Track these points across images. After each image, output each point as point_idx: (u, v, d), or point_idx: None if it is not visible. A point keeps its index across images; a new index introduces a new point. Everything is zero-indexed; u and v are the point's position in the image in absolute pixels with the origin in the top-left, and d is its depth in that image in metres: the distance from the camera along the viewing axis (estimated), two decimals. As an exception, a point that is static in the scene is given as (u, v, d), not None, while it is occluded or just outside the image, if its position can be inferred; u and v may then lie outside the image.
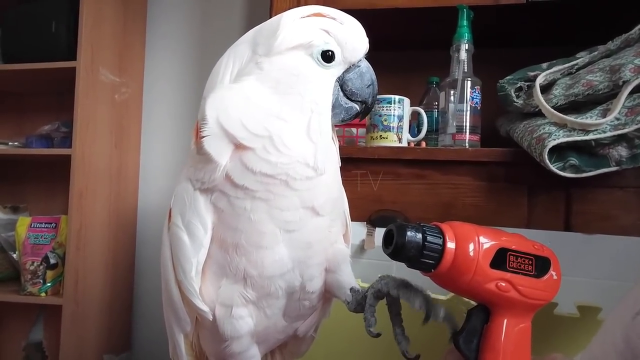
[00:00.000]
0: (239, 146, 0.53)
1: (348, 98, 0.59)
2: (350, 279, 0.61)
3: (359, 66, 0.59)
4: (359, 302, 0.57)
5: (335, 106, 0.58)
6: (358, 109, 0.60)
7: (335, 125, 0.62)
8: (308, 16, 0.56)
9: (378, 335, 0.54)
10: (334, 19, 0.56)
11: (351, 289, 0.58)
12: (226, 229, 0.55)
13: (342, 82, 0.58)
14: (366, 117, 1.10)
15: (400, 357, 0.53)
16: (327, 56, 0.56)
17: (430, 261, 0.45)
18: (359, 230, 1.11)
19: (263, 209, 0.53)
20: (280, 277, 0.56)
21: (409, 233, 0.45)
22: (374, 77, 0.60)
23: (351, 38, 0.57)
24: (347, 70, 0.58)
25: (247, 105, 0.54)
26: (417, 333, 0.94)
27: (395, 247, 0.45)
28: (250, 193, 0.53)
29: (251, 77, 0.55)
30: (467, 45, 1.06)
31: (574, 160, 0.88)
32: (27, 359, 1.68)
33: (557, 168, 0.88)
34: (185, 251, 0.55)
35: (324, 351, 0.74)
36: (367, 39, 0.59)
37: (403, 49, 1.41)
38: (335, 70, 0.57)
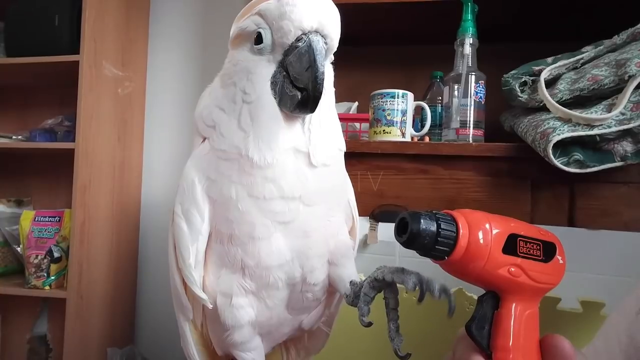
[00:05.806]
0: (203, 137, 0.58)
1: (293, 85, 0.52)
2: (351, 272, 0.60)
3: (297, 46, 0.51)
4: (357, 294, 0.56)
5: (282, 94, 0.53)
6: (299, 97, 0.51)
7: (340, 120, 0.60)
8: (259, 2, 0.53)
9: (370, 324, 0.54)
10: None
11: (351, 282, 0.58)
12: (220, 219, 0.55)
13: (286, 67, 0.52)
14: (370, 112, 1.11)
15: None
16: (258, 40, 0.53)
17: (445, 248, 0.45)
18: (362, 225, 1.11)
19: (248, 199, 0.53)
20: (279, 268, 0.56)
21: (423, 221, 0.44)
22: (315, 57, 0.50)
23: (279, 14, 0.50)
24: (287, 53, 0.52)
25: (207, 99, 0.59)
26: (413, 330, 0.95)
27: (410, 235, 0.44)
28: (227, 177, 0.54)
29: (219, 72, 0.59)
30: (471, 39, 1.05)
31: (578, 156, 0.88)
32: (32, 351, 1.70)
33: (561, 163, 0.88)
34: (184, 239, 0.56)
35: (325, 348, 0.74)
36: (310, 13, 0.50)
37: (407, 43, 1.41)
38: (271, 55, 0.53)
